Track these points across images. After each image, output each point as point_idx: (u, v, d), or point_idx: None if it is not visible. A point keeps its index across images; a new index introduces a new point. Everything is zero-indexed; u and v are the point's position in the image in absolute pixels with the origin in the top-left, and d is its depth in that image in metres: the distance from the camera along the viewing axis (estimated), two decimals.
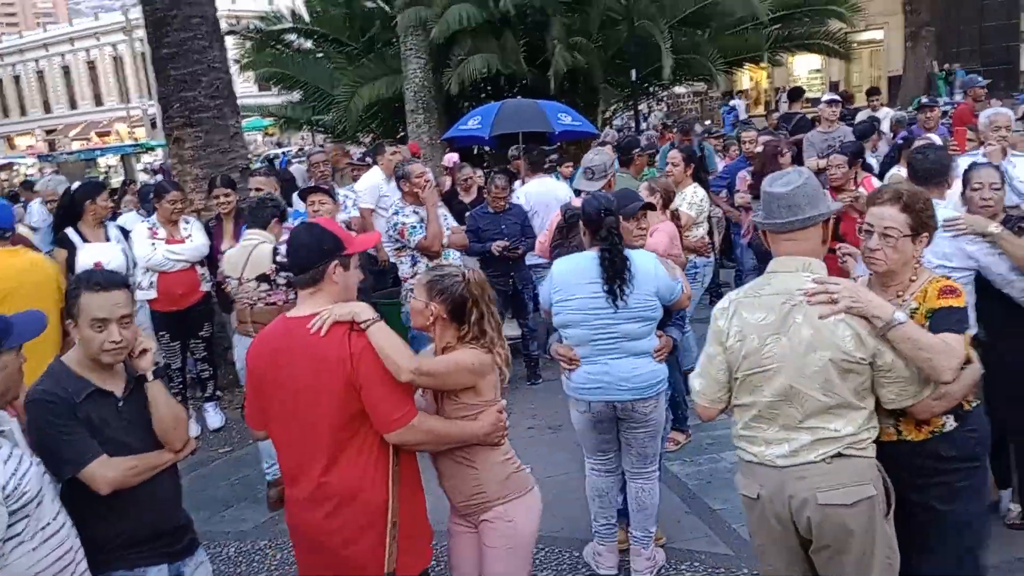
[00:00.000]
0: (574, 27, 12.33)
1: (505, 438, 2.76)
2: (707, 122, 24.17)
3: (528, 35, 12.47)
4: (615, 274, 3.38)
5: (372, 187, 7.15)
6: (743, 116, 17.85)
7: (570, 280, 3.50)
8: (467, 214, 6.96)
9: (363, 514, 2.50)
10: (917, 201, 2.54)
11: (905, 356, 2.34)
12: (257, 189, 5.85)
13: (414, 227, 5.68)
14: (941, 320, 2.43)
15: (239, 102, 7.54)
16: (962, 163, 4.73)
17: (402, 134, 12.71)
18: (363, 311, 2.48)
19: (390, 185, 6.80)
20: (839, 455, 2.39)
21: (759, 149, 7.35)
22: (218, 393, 6.49)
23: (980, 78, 9.96)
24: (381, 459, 2.52)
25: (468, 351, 2.64)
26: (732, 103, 25.33)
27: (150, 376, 2.62)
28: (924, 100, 9.56)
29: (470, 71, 11.63)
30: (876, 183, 6.09)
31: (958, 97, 15.57)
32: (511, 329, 7.27)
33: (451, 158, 9.46)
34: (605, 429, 3.63)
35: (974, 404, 2.60)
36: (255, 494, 5.11)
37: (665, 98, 27.34)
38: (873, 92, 11.42)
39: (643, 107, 22.96)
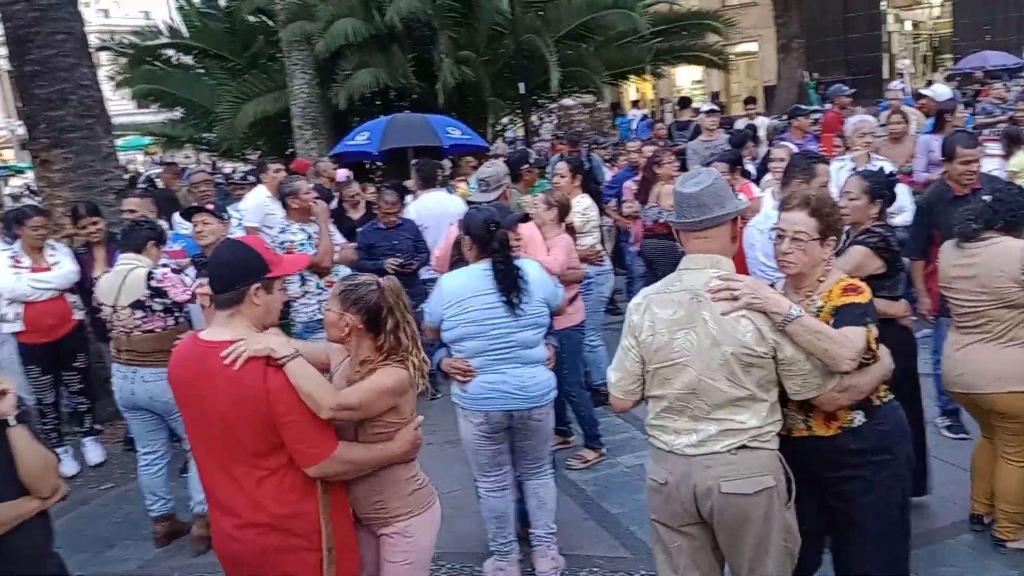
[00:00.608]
0: (461, 41, 12.40)
1: (417, 451, 2.72)
2: (596, 133, 24.75)
3: (416, 49, 12.45)
4: (511, 284, 3.42)
5: (257, 205, 6.94)
6: (635, 126, 18.33)
7: (463, 293, 3.49)
8: (358, 231, 6.86)
9: (296, 540, 2.43)
10: (824, 206, 2.67)
11: (804, 348, 2.44)
12: (131, 211, 5.59)
13: (303, 244, 5.55)
14: (844, 315, 2.55)
15: (115, 121, 7.21)
16: (833, 167, 5.01)
17: (291, 151, 12.45)
18: (280, 347, 2.39)
19: (276, 203, 6.63)
20: (743, 447, 2.49)
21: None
22: (97, 427, 6.15)
23: (845, 87, 10.52)
24: (310, 483, 2.45)
25: (386, 372, 2.59)
26: (630, 114, 26.01)
27: (12, 421, 2.45)
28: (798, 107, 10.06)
29: (357, 86, 11.51)
30: (755, 190, 6.36)
31: (828, 105, 16.41)
32: None
33: (342, 174, 9.32)
34: (499, 440, 3.64)
35: (885, 399, 2.72)
36: (140, 532, 4.85)
37: (555, 110, 27.83)
38: (749, 101, 11.95)
39: (534, 119, 23.27)
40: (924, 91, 11.30)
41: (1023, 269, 3.38)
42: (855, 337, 2.47)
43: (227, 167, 19.96)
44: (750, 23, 28.85)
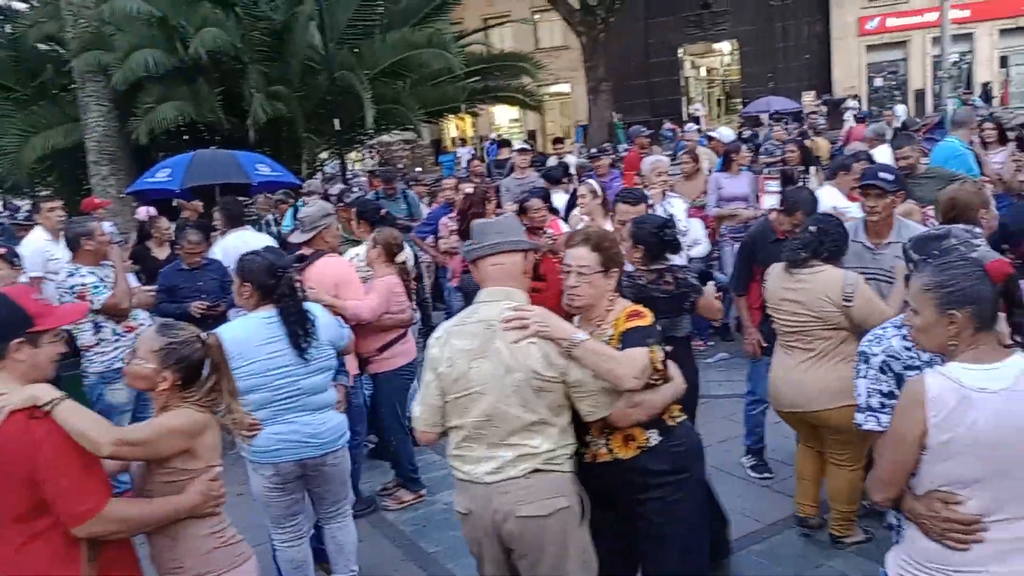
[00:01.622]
0: (273, 75, 12.14)
1: (220, 506, 2.57)
2: (417, 169, 24.93)
3: (225, 82, 12.04)
4: (301, 330, 3.34)
5: (35, 252, 6.31)
6: (464, 164, 18.73)
7: (244, 344, 3.36)
8: (159, 272, 6.48)
9: None
10: (604, 241, 2.85)
11: (590, 369, 2.56)
12: None
13: (96, 287, 5.17)
14: (628, 338, 2.69)
15: None
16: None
17: (87, 187, 11.61)
18: (43, 393, 2.22)
19: (58, 244, 6.14)
20: (537, 470, 2.60)
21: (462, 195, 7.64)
22: None
23: (643, 128, 11.25)
24: (73, 546, 2.25)
25: (178, 412, 2.47)
26: (459, 151, 26.48)
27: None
28: (594, 150, 10.64)
29: (160, 120, 10.96)
30: (563, 226, 6.62)
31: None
32: None
33: (146, 211, 8.78)
34: (293, 489, 3.54)
35: (679, 419, 2.87)
36: None
37: (376, 146, 27.77)
38: (557, 141, 12.47)
39: (353, 155, 23.10)
40: (712, 133, 12.26)
41: (844, 296, 3.72)
42: (637, 356, 2.62)
43: (24, 203, 18.36)
44: (563, 65, 30.30)
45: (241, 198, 7.57)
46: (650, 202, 5.59)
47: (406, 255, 5.25)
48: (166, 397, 2.51)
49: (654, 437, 2.78)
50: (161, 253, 7.26)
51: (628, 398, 2.65)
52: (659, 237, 3.79)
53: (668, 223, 3.89)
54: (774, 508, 4.48)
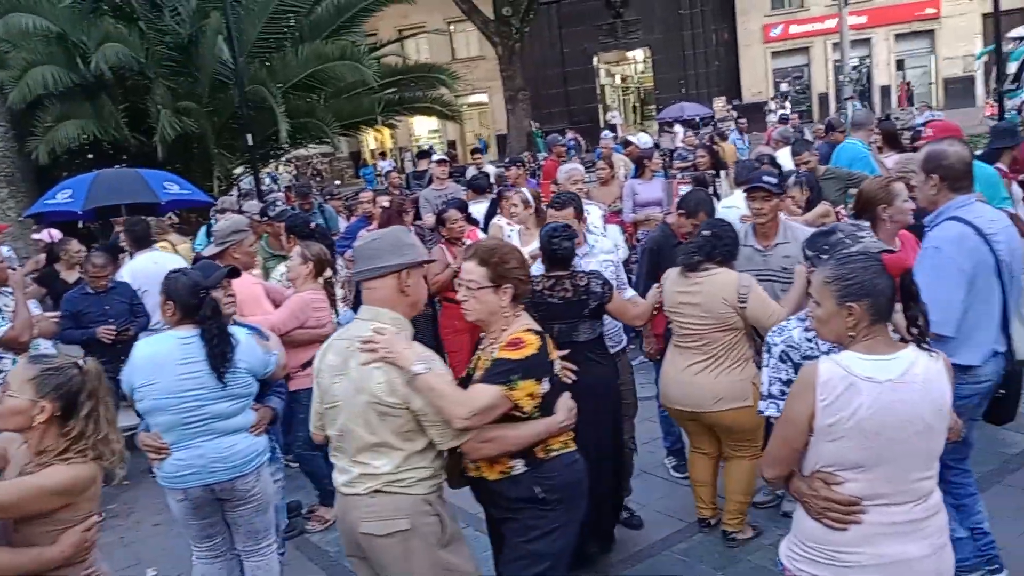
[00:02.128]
0: (181, 91, 11.84)
1: (91, 552, 2.45)
2: (337, 183, 24.61)
3: (130, 99, 11.70)
4: (221, 355, 3.24)
5: None
6: (383, 176, 18.65)
7: (154, 364, 3.26)
8: (64, 297, 6.21)
9: None
10: (492, 255, 2.79)
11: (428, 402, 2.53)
12: None
13: None
14: (489, 370, 2.66)
15: None
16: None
17: None
18: None
19: None
20: (378, 491, 2.58)
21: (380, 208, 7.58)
22: None
23: (560, 137, 11.39)
24: None
25: (56, 470, 2.32)
26: (380, 165, 26.34)
27: None
28: (507, 160, 10.75)
29: (61, 139, 10.55)
30: (480, 235, 6.64)
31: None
32: (128, 418, 6.58)
33: (47, 234, 8.43)
34: (208, 513, 3.43)
35: (556, 452, 2.77)
36: None
37: (293, 160, 27.33)
38: (475, 151, 12.51)
39: (269, 170, 22.67)
40: (631, 138, 12.50)
41: (739, 297, 3.80)
42: (478, 395, 2.57)
43: None
44: (480, 75, 30.48)
45: (149, 218, 7.30)
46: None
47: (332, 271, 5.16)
48: (42, 434, 2.36)
49: (519, 466, 2.72)
50: (70, 276, 6.99)
51: (479, 432, 2.60)
52: (548, 246, 3.80)
53: (559, 232, 3.81)
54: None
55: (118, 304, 6.06)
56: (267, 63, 13.27)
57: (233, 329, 3.41)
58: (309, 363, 4.83)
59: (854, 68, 24.00)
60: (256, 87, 12.19)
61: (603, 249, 4.47)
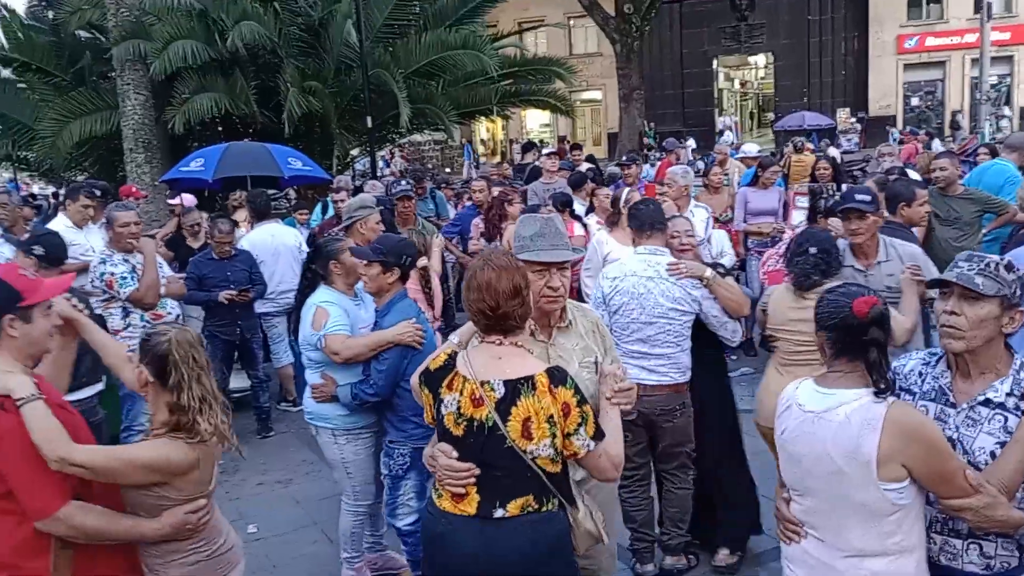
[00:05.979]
0: (308, 71, 12.24)
1: (196, 532, 2.49)
2: (447, 170, 25.03)
3: (260, 76, 12.18)
4: None
5: None
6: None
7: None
8: (190, 260, 6.57)
9: None
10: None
11: None
12: None
13: (124, 277, 5.21)
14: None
15: None
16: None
17: (122, 174, 11.79)
18: (20, 387, 2.23)
19: (83, 232, 6.21)
20: None
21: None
22: None
23: (676, 140, 11.24)
24: (43, 537, 2.27)
25: (153, 444, 2.41)
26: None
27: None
28: (624, 158, 10.65)
29: (195, 110, 11.10)
30: (579, 229, 6.66)
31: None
32: (240, 381, 6.91)
33: (187, 200, 8.89)
34: None
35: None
36: None
37: (406, 145, 27.91)
38: (575, 148, 12.46)
39: (384, 153, 23.23)
40: (743, 147, 12.23)
41: None
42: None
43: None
44: (596, 72, 30.33)
45: (271, 191, 7.64)
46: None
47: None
48: (153, 402, 2.46)
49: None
50: (195, 243, 7.36)
51: None
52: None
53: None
54: None
55: (239, 271, 6.35)
56: (391, 48, 13.56)
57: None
58: None
59: (993, 86, 22.69)
60: (379, 71, 12.49)
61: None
